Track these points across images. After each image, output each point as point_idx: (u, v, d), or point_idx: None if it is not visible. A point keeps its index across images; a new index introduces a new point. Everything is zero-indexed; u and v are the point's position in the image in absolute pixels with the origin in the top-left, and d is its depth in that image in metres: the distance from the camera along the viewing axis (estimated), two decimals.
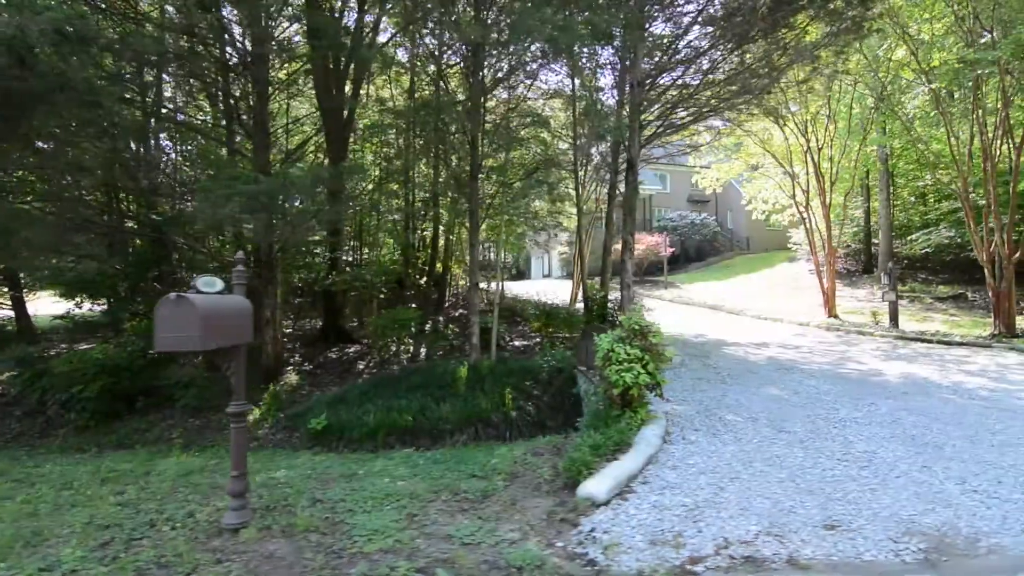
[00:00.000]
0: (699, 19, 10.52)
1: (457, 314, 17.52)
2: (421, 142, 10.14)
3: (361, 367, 11.38)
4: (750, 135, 16.95)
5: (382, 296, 13.42)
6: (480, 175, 9.88)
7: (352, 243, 17.55)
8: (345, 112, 12.15)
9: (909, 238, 21.45)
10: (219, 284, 3.68)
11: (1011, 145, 11.67)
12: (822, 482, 4.38)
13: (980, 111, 11.38)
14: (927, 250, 20.68)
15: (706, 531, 3.63)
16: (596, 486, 4.09)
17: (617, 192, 12.58)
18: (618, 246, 27.60)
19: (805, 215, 16.86)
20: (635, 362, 5.61)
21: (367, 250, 18.31)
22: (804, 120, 15.87)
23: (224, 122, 9.93)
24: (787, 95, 11.55)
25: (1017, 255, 11.35)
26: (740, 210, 28.73)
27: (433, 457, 5.99)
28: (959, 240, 19.49)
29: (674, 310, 19.37)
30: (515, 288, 25.65)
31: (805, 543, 3.45)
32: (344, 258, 17.82)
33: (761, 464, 4.80)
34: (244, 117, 10.13)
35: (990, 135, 11.52)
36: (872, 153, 20.26)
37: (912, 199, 23.79)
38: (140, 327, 9.84)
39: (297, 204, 8.76)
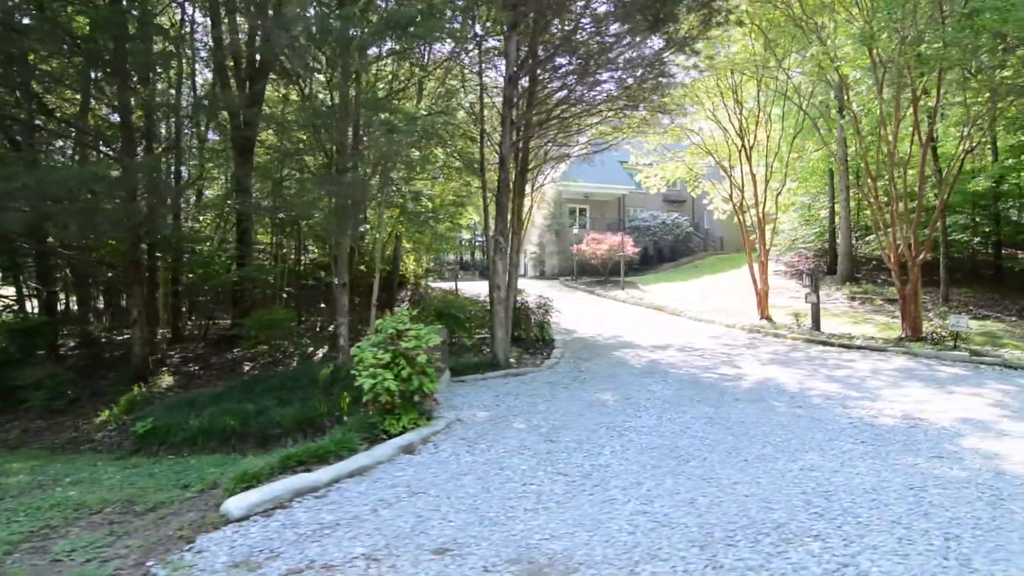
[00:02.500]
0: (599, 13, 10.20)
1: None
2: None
3: (247, 368, 11.23)
4: (683, 130, 16.52)
5: (286, 295, 13.25)
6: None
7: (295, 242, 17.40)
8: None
9: (867, 239, 20.81)
10: None
11: (919, 144, 11.14)
12: (506, 499, 4.06)
13: (881, 113, 10.87)
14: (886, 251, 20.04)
15: (308, 552, 3.36)
16: (237, 501, 3.83)
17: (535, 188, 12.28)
18: (582, 245, 27.20)
19: (740, 216, 16.38)
20: (385, 367, 5.35)
21: (316, 249, 18.23)
22: (739, 119, 15.41)
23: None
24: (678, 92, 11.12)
25: (921, 257, 10.83)
26: None
27: (180, 464, 5.79)
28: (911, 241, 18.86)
29: (620, 311, 19.03)
30: (480, 288, 25.38)
31: (394, 569, 3.17)
32: (296, 257, 17.72)
33: (471, 478, 4.50)
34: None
35: (890, 137, 11.00)
36: (832, 153, 19.70)
37: (885, 199, 23.12)
38: (4, 325, 9.79)
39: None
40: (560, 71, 10.37)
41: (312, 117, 7.71)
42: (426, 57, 12.66)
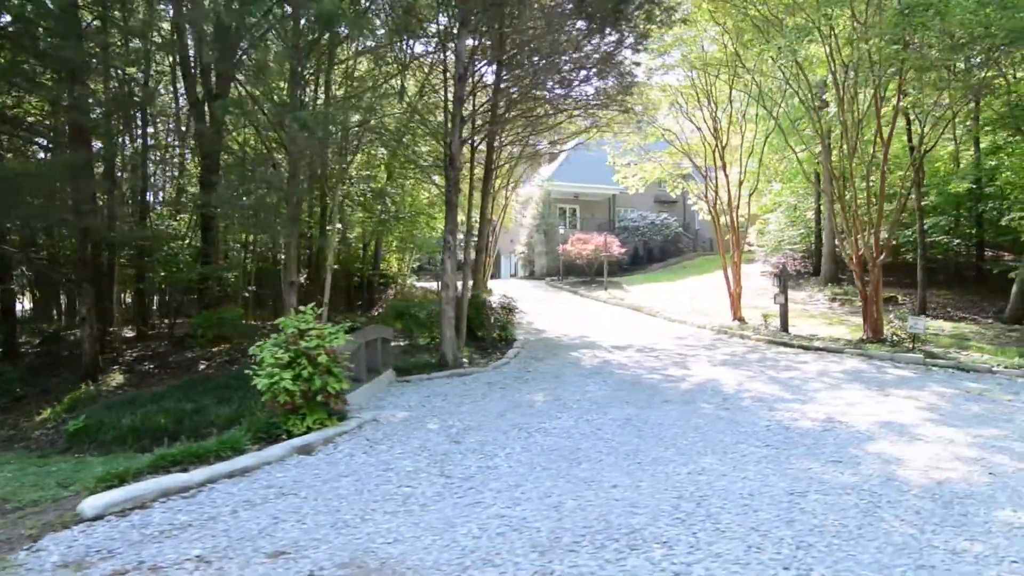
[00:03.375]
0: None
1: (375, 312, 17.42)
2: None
3: (203, 367, 11.20)
4: (661, 129, 16.38)
5: (248, 294, 13.23)
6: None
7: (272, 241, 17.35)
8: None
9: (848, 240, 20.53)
10: None
11: (880, 142, 10.98)
12: (372, 502, 3.97)
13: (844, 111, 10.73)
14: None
15: (144, 553, 3.27)
16: (93, 501, 3.77)
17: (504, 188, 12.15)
18: (567, 245, 27.07)
19: (715, 217, 16.24)
20: (285, 366, 5.29)
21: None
22: (713, 120, 15.28)
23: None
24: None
25: (881, 258, 10.68)
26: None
27: (82, 463, 5.75)
28: (893, 242, 18.62)
29: (599, 311, 18.85)
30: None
31: (221, 572, 3.09)
32: (272, 255, 17.71)
33: (350, 480, 4.41)
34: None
35: (851, 135, 10.87)
36: (814, 154, 19.54)
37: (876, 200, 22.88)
38: None
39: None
40: (517, 69, 10.29)
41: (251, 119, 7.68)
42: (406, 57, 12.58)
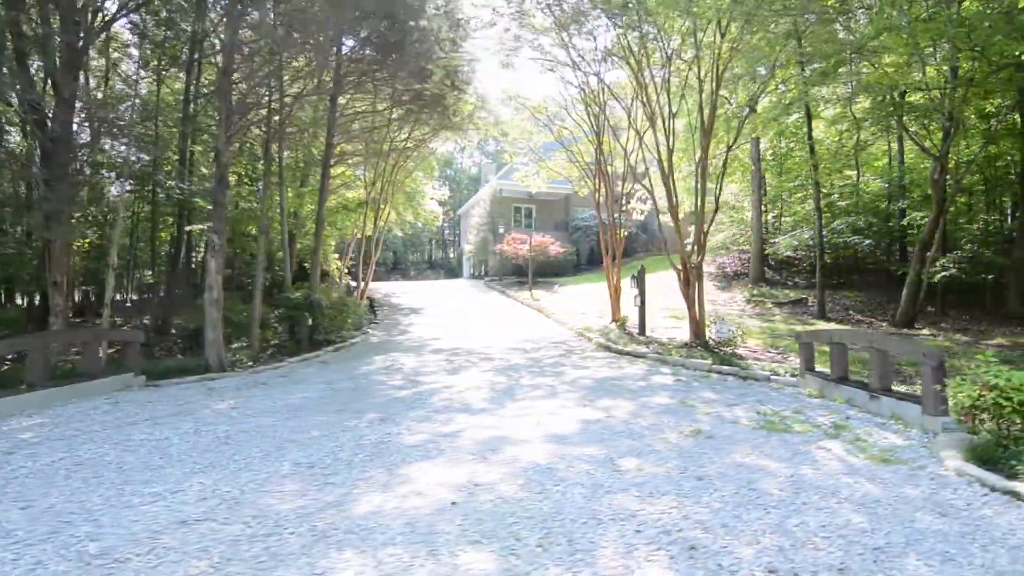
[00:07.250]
0: None
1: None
2: None
3: None
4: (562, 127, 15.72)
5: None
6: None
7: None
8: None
9: (772, 241, 19.53)
10: None
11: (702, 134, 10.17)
12: None
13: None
14: (788, 253, 18.80)
15: None
16: None
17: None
18: (503, 245, 26.31)
19: (600, 217, 15.54)
20: None
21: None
22: (595, 121, 14.60)
23: None
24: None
25: (700, 258, 9.88)
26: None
27: None
28: (810, 243, 17.56)
29: (502, 311, 18.34)
30: (434, 287, 25.26)
31: None
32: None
33: None
34: None
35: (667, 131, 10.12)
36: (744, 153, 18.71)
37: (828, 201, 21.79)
38: None
39: None
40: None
41: None
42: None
